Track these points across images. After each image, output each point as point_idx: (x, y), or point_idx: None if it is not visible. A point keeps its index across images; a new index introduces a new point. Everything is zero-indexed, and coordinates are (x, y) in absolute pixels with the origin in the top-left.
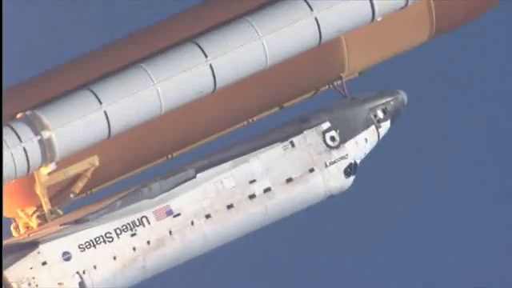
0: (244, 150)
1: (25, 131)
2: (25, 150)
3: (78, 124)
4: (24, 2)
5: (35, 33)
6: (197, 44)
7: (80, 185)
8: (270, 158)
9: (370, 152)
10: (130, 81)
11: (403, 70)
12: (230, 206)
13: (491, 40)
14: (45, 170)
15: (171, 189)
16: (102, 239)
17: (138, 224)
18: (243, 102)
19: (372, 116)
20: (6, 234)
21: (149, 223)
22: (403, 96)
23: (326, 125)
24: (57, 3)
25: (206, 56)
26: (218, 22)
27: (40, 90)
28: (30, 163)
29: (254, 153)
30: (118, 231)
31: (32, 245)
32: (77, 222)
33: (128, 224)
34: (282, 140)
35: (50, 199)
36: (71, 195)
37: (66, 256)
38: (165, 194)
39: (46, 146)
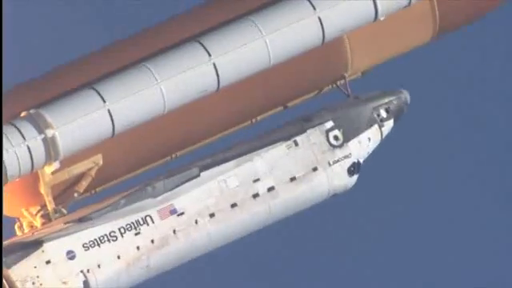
0: (248, 149)
1: (29, 130)
2: (29, 148)
3: (81, 122)
4: (24, 2)
5: (35, 33)
6: (200, 43)
7: (84, 184)
8: (273, 157)
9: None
10: (134, 80)
11: (406, 70)
12: (233, 205)
13: (492, 40)
14: (49, 169)
15: (175, 188)
16: (106, 238)
17: (141, 223)
18: (247, 102)
19: (375, 115)
20: (10, 234)
21: (153, 222)
22: (406, 95)
23: (330, 124)
24: (57, 3)
25: (210, 55)
26: (221, 21)
27: (44, 89)
28: (34, 161)
29: (257, 152)
30: (122, 230)
31: (36, 244)
32: (80, 220)
33: (132, 223)
34: (286, 139)
35: (54, 198)
36: (75, 194)
37: (71, 255)
38: (168, 193)
39: (50, 145)
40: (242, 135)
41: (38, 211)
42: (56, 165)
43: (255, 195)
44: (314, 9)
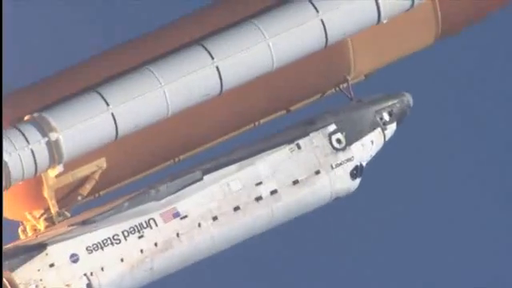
0: (250, 153)
1: (32, 133)
2: (32, 151)
3: (85, 126)
4: (24, 2)
5: (35, 33)
6: (203, 46)
7: (88, 187)
8: (276, 161)
9: None
10: (137, 83)
11: (409, 73)
12: (236, 208)
13: (493, 40)
14: (52, 172)
15: (178, 191)
16: (109, 241)
17: (145, 226)
18: (250, 106)
19: (378, 118)
20: (13, 237)
21: (156, 225)
22: (409, 98)
23: (332, 127)
24: (57, 3)
25: (213, 58)
26: (224, 25)
27: (48, 93)
28: (38, 165)
29: (260, 155)
30: (126, 233)
31: (40, 247)
32: (84, 222)
33: (135, 226)
34: (288, 142)
35: (58, 202)
36: (79, 198)
37: (74, 258)
38: (172, 196)
39: (54, 148)
40: (245, 138)
41: (42, 215)
42: (60, 168)
43: (258, 198)
44: (317, 11)
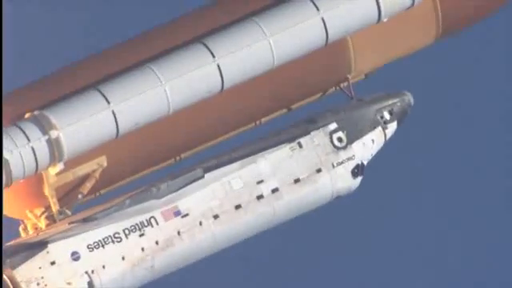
0: (252, 151)
1: (33, 131)
2: (33, 149)
3: (85, 124)
4: (24, 2)
5: (35, 33)
6: (204, 44)
7: (88, 185)
8: (277, 159)
9: None
10: (138, 81)
11: (409, 72)
12: (238, 207)
13: (492, 40)
14: (53, 170)
15: (179, 189)
16: (110, 239)
17: (146, 224)
18: (251, 104)
19: (379, 117)
20: (14, 235)
21: (157, 224)
22: (409, 97)
23: (333, 126)
24: (57, 3)
25: (214, 56)
26: (225, 23)
27: (48, 90)
28: (38, 163)
29: (261, 153)
30: (127, 231)
31: (41, 244)
32: (85, 220)
33: (136, 224)
34: (290, 141)
35: (59, 200)
36: (79, 196)
37: (75, 256)
38: (173, 195)
39: (54, 146)
40: (246, 137)
41: (43, 213)
42: (60, 166)
43: (259, 197)
44: (318, 10)
